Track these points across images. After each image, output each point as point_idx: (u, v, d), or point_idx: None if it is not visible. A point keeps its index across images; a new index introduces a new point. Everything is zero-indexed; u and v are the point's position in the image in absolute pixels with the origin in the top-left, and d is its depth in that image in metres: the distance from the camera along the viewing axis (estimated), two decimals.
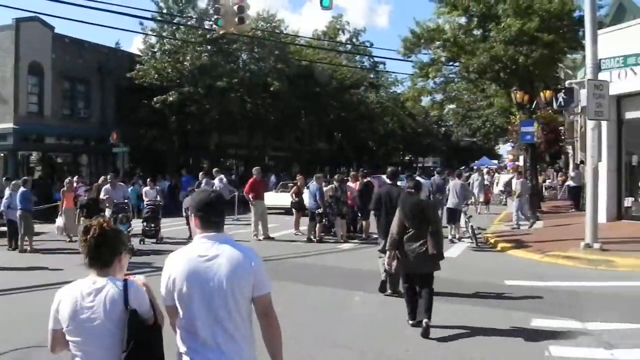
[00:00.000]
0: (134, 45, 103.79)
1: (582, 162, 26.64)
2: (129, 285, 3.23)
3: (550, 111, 25.72)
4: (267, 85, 40.06)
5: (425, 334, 7.68)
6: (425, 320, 7.79)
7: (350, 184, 18.83)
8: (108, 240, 3.28)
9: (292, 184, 23.57)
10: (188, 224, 18.11)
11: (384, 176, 19.53)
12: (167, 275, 3.35)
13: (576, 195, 25.31)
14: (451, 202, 17.21)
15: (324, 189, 17.82)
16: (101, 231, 3.26)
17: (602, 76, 14.87)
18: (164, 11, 36.44)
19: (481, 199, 26.51)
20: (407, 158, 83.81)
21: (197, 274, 3.27)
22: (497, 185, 32.27)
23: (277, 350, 3.36)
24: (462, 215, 17.39)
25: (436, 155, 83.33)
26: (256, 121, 42.64)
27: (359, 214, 18.42)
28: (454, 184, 17.49)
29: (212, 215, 3.44)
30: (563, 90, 17.72)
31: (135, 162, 36.41)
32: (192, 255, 3.34)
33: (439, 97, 35.04)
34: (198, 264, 3.30)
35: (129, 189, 22.36)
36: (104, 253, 3.27)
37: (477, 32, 25.83)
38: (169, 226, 20.10)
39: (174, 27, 37.36)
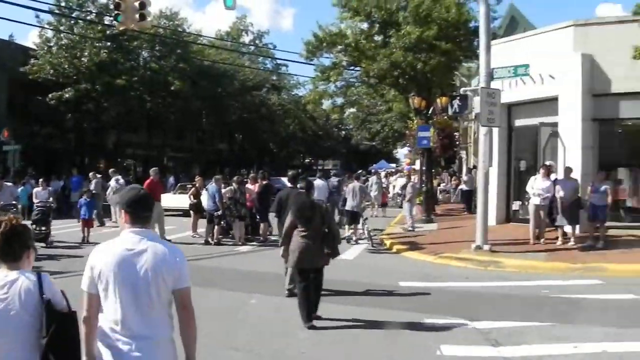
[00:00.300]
0: (29, 38, 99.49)
1: (474, 166, 27.56)
2: (42, 276, 3.34)
3: (445, 117, 26.47)
4: (168, 84, 39.42)
5: (313, 325, 8.10)
6: (310, 326, 8.15)
7: (249, 185, 18.73)
8: (18, 235, 3.38)
9: (190, 185, 23.17)
10: (83, 226, 17.53)
11: (284, 179, 19.62)
12: (92, 266, 3.49)
13: (468, 199, 26.18)
14: (350, 204, 17.41)
15: (223, 190, 17.64)
16: (11, 226, 3.36)
17: (494, 85, 15.44)
18: (62, 4, 35.19)
19: (378, 202, 26.98)
20: (307, 160, 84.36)
21: (124, 265, 3.43)
22: (393, 188, 32.93)
23: (192, 340, 3.62)
24: (360, 218, 17.67)
25: (336, 158, 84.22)
26: (156, 121, 41.90)
27: (258, 217, 18.35)
28: (353, 186, 17.69)
29: (141, 211, 3.63)
30: (458, 97, 18.36)
31: (28, 161, 34.80)
32: (120, 248, 3.50)
33: (339, 100, 35.51)
34: (126, 256, 3.46)
35: (19, 189, 21.40)
36: (14, 247, 3.36)
37: (378, 38, 26.27)
38: (60, 229, 19.33)
39: (72, 22, 36.16)
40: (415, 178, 27.55)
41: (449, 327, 8.22)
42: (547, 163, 16.65)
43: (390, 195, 32.19)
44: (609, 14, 75.85)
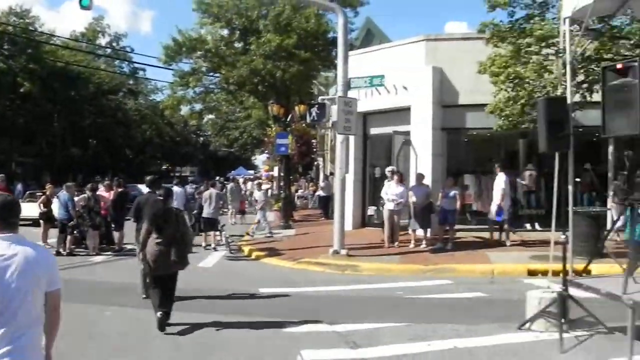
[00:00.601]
0: None
1: (331, 173, 28.20)
2: None
3: (303, 125, 26.91)
4: (17, 85, 37.34)
5: (161, 326, 8.21)
6: (161, 313, 8.27)
7: (103, 193, 18.08)
8: None
9: (40, 193, 21.97)
10: None
11: (140, 186, 19.12)
12: None
13: (326, 205, 26.71)
14: (207, 211, 17.32)
15: (76, 198, 16.92)
16: None
17: (351, 94, 15.88)
18: None
19: (236, 209, 26.90)
20: (165, 167, 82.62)
21: None
22: (251, 195, 32.98)
23: (53, 339, 3.71)
24: (217, 225, 17.63)
25: (194, 165, 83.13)
26: (3, 124, 39.44)
27: (113, 225, 17.78)
28: (209, 193, 17.61)
29: (9, 217, 3.61)
30: (316, 106, 18.74)
31: None
32: None
33: (198, 106, 35.14)
34: None
35: None
36: None
37: (239, 45, 26.35)
38: None
39: None
40: (265, 186, 27.84)
41: (309, 331, 8.35)
42: (389, 169, 17.38)
43: (249, 201, 32.24)
44: (457, 31, 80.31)
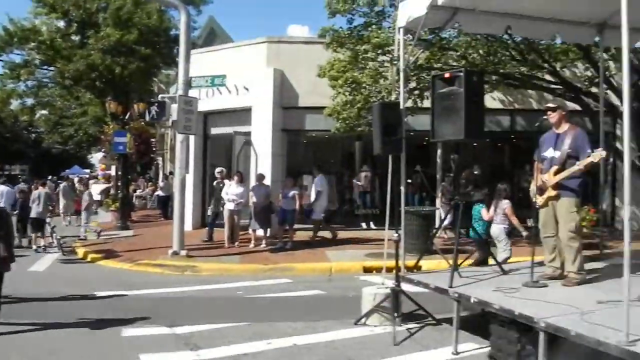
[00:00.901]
0: None
1: (171, 172, 27.72)
2: None
3: (142, 123, 26.28)
4: None
5: None
6: None
7: None
8: None
9: None
10: None
11: None
12: None
13: (165, 205, 26.24)
14: (35, 211, 16.54)
15: None
16: None
17: (192, 93, 15.75)
18: None
19: (71, 209, 25.73)
20: None
21: None
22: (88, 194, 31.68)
23: None
24: (47, 226, 16.85)
25: (25, 163, 78.29)
26: None
27: None
28: (38, 193, 16.87)
29: None
30: (156, 104, 18.34)
31: None
32: None
33: (30, 101, 33.43)
34: None
35: None
36: None
37: (76, 38, 25.40)
38: None
39: None
40: (97, 187, 27.01)
41: (148, 335, 8.17)
42: (218, 170, 17.53)
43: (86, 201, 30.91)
44: (299, 34, 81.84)
